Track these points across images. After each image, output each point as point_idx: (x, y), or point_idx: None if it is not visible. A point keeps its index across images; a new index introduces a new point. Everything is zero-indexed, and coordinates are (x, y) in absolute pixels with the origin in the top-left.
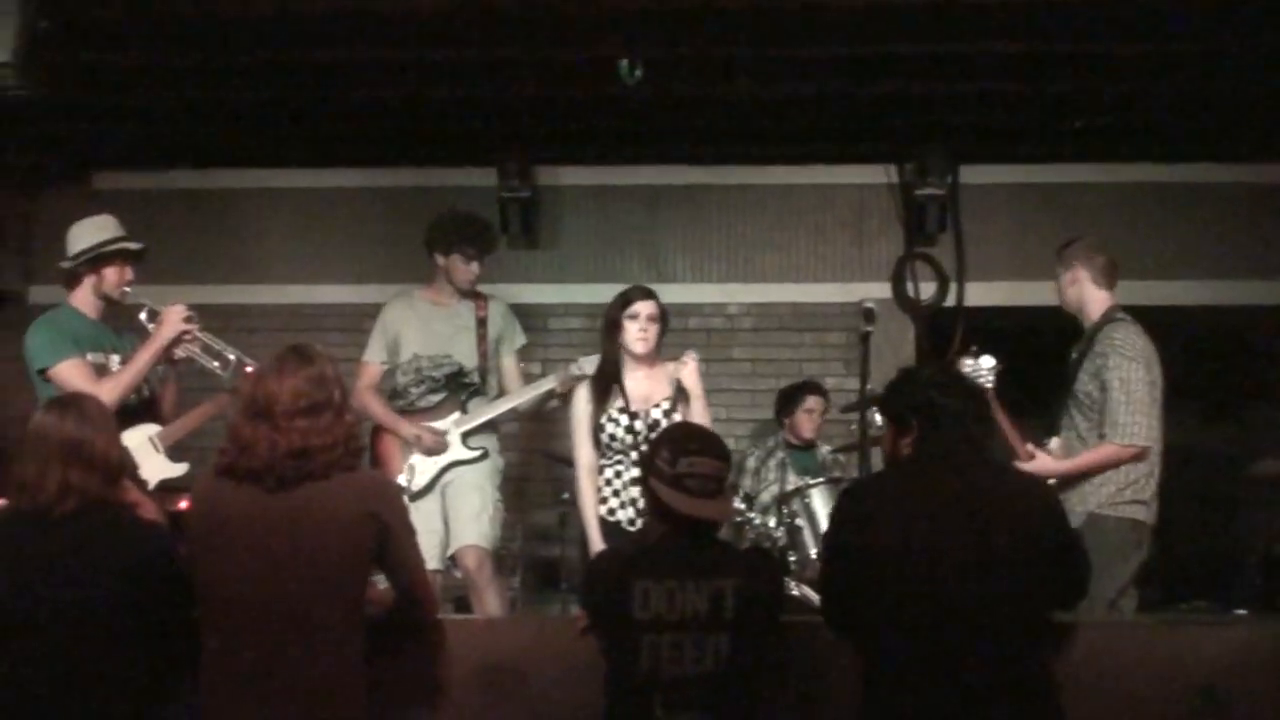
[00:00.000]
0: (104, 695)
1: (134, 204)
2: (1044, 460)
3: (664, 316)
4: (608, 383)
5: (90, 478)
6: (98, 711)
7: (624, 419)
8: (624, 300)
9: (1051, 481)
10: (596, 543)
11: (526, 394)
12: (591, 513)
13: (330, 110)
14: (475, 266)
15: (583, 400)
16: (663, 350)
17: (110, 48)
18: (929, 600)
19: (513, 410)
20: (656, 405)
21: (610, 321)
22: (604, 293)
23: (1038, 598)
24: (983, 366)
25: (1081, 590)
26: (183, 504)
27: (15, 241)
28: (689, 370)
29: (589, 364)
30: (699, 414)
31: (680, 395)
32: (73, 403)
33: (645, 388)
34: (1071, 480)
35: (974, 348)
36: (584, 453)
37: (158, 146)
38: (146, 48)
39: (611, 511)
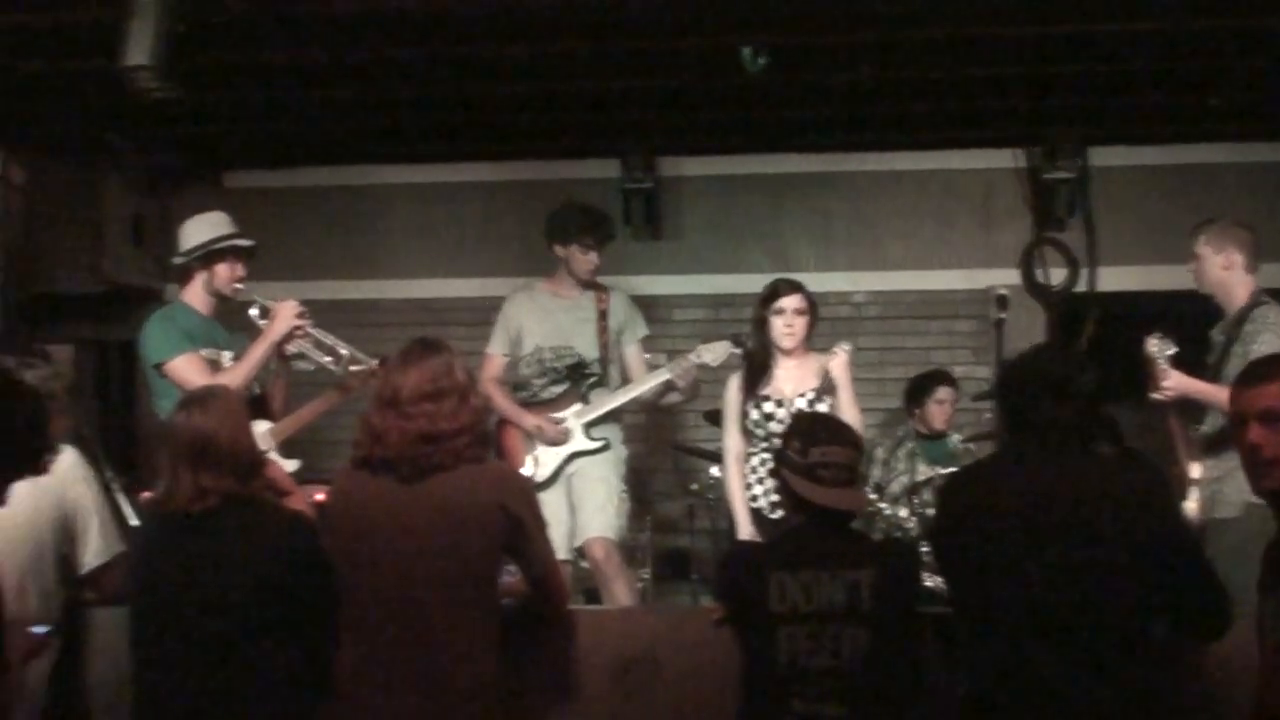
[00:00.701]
0: (253, 692)
1: (264, 202)
2: (1180, 379)
3: (812, 308)
4: (757, 372)
5: (221, 477)
6: (247, 709)
7: (768, 407)
8: (769, 294)
9: (1200, 476)
10: (745, 530)
11: (646, 384)
12: (740, 500)
13: (455, 105)
14: (594, 257)
15: (733, 388)
16: (814, 340)
17: (243, 48)
18: (1015, 608)
19: (634, 400)
20: (802, 395)
21: (758, 316)
22: (727, 283)
23: (1143, 611)
24: (1165, 349)
25: (1221, 619)
26: (319, 496)
27: (151, 239)
28: (838, 362)
29: (708, 353)
30: (846, 406)
31: (828, 386)
32: (200, 399)
33: (794, 377)
34: (1227, 470)
35: (1157, 333)
36: (731, 440)
37: (287, 144)
38: (277, 47)
39: (755, 499)
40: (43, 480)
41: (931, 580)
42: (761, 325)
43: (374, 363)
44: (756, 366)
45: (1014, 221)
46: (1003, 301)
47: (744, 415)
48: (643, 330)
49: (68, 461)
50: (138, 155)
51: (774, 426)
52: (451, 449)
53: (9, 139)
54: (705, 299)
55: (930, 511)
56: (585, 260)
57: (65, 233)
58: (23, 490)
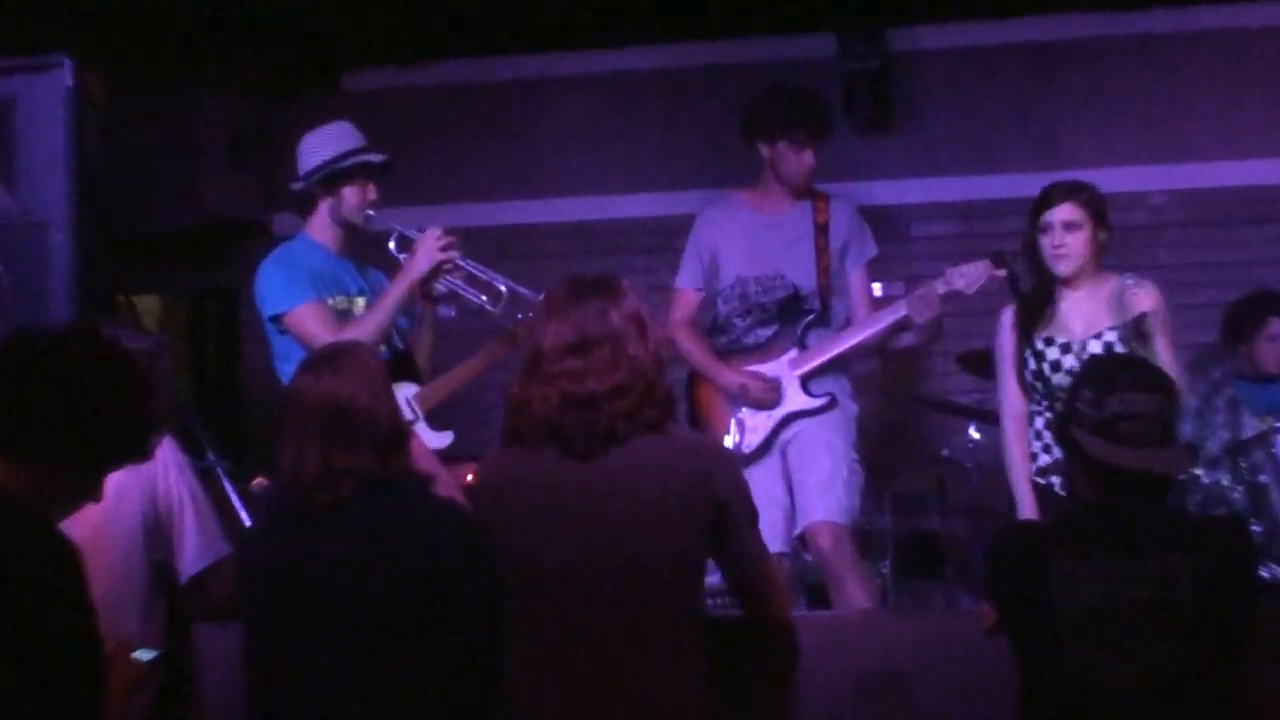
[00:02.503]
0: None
1: (390, 107)
2: None
3: (1095, 218)
4: (1034, 307)
5: (357, 455)
6: None
7: (1052, 352)
8: (1037, 204)
9: None
10: (1028, 511)
11: (878, 322)
12: (1022, 472)
13: None
14: (808, 156)
15: (1005, 325)
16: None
17: None
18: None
19: (864, 344)
20: (1097, 335)
21: (1028, 235)
22: (980, 187)
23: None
24: None
25: None
26: (469, 477)
27: (256, 160)
28: (1146, 295)
29: (959, 277)
30: (1164, 360)
31: (1133, 329)
32: (330, 357)
33: (1083, 312)
34: None
35: None
36: (1008, 395)
37: (419, 33)
38: None
39: (1042, 472)
40: (127, 471)
41: (1268, 569)
42: (1031, 245)
43: (540, 298)
44: (1032, 300)
45: None
46: None
47: (1022, 364)
48: (871, 250)
49: (159, 446)
50: (235, 56)
51: (1061, 379)
52: (612, 413)
53: (81, 44)
54: (952, 209)
55: (1263, 478)
56: (796, 161)
57: (150, 157)
58: (115, 479)
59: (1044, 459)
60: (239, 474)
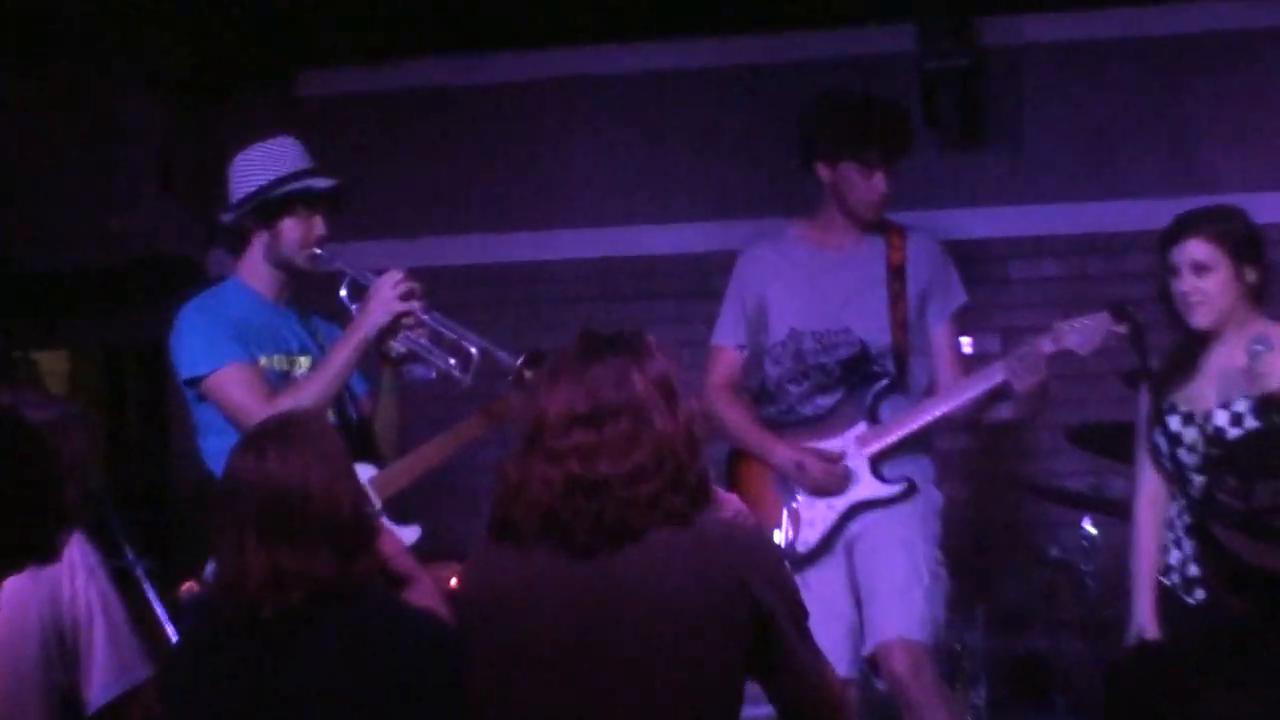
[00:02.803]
0: None
1: (355, 115)
2: None
3: (1237, 255)
4: (1173, 366)
5: (312, 555)
6: None
7: (1173, 423)
8: (1162, 239)
9: None
10: (1145, 621)
11: (969, 389)
12: (1147, 572)
13: None
14: (879, 181)
15: (1145, 391)
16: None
17: None
18: None
19: (949, 416)
20: (1225, 405)
21: (1159, 276)
22: (1095, 216)
23: None
24: None
25: None
26: (453, 581)
27: (188, 181)
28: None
29: (1071, 333)
30: None
31: (1267, 404)
32: (277, 432)
33: (1219, 374)
34: None
35: None
36: (1144, 474)
37: (393, 24)
38: None
39: (1167, 571)
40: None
41: None
42: (1164, 289)
43: (518, 364)
44: (1169, 358)
45: None
46: None
47: (1153, 438)
48: (960, 297)
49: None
50: (165, 52)
51: (1182, 456)
52: (628, 502)
53: None
54: (1061, 244)
55: None
56: (866, 186)
57: (60, 175)
58: (7, 586)
59: (1173, 555)
60: (164, 577)
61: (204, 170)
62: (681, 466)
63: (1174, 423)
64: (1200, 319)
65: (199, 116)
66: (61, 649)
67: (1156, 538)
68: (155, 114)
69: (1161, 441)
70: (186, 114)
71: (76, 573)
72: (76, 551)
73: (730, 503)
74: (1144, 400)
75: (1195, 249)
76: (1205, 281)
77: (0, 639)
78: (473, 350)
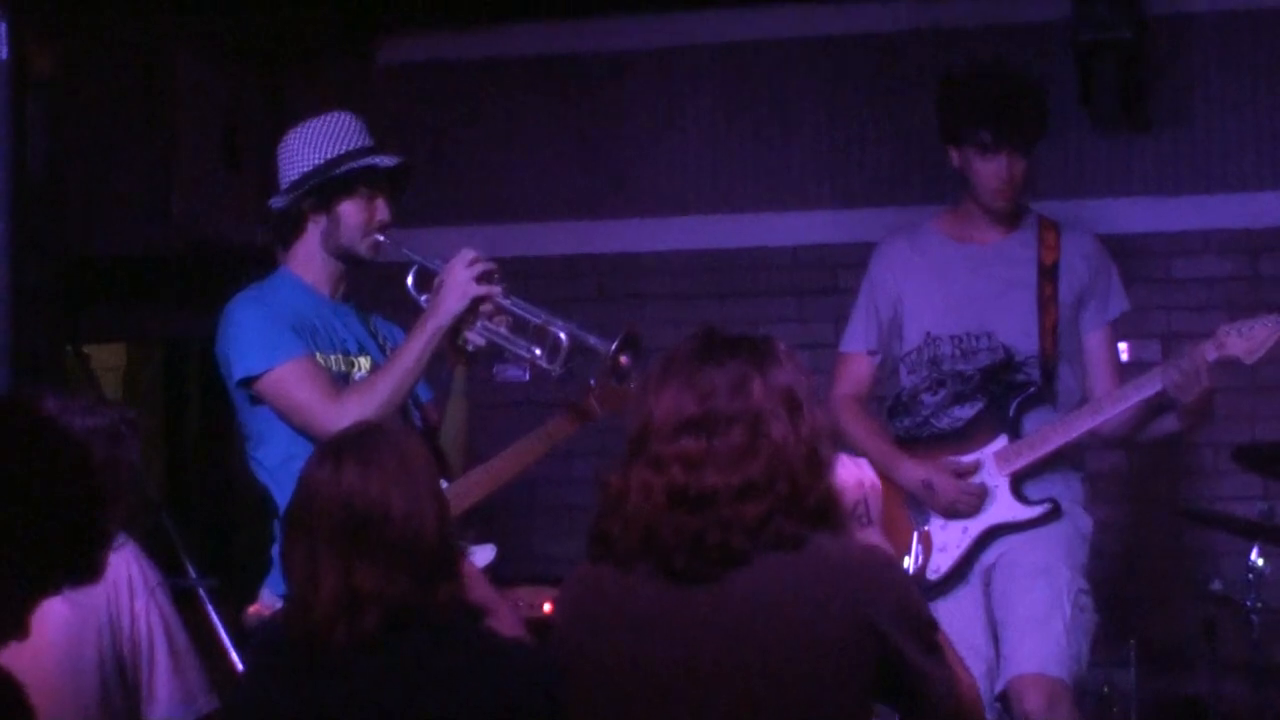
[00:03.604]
0: None
1: (434, 85)
2: None
3: None
4: None
5: (391, 576)
6: None
7: None
8: None
9: None
10: None
11: (1124, 400)
12: None
13: None
14: (1001, 165)
15: None
16: None
17: None
18: None
19: (1100, 431)
20: None
21: None
22: (1270, 208)
23: None
24: None
25: None
26: (546, 607)
27: (257, 158)
28: None
29: (1238, 339)
30: None
31: None
32: (355, 443)
33: None
34: None
35: None
36: None
37: None
38: None
39: None
40: (85, 594)
41: None
42: None
43: (612, 348)
44: None
45: None
46: None
47: None
48: (1121, 304)
49: (122, 562)
50: (229, 15)
51: None
52: (733, 522)
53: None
54: (1232, 239)
55: None
56: (987, 171)
57: (115, 154)
58: (59, 612)
59: None
60: (229, 597)
61: (273, 147)
62: (799, 487)
63: None
64: None
65: (269, 89)
66: (122, 679)
67: None
68: (222, 88)
69: None
70: (255, 87)
71: (136, 594)
72: (136, 570)
73: (871, 535)
74: None
75: None
76: None
77: (58, 673)
78: (562, 336)
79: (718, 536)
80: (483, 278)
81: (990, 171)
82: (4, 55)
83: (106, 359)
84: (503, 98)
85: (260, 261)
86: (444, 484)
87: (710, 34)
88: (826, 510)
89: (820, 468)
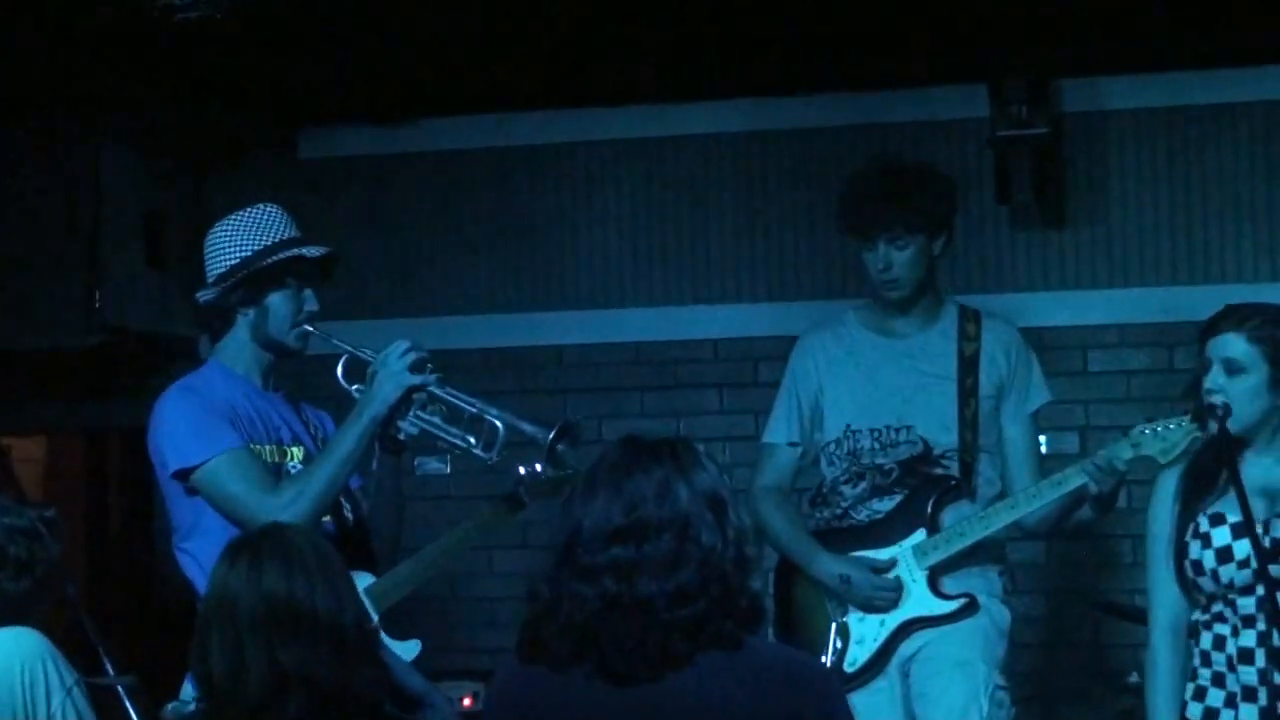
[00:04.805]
0: None
1: (360, 179)
2: None
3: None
4: (1204, 471)
5: (317, 655)
6: None
7: (1220, 535)
8: (1204, 329)
9: None
10: None
11: (1046, 495)
12: (1168, 706)
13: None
14: (881, 256)
15: (1163, 500)
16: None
17: None
18: None
19: (1017, 525)
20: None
21: (1196, 370)
22: (1188, 302)
23: None
24: None
25: None
26: (466, 701)
27: (176, 253)
28: None
29: (1153, 439)
30: None
31: None
32: (271, 544)
33: (1263, 479)
34: None
35: None
36: (1161, 597)
37: (400, 80)
38: None
39: (1210, 716)
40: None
41: None
42: (1198, 386)
43: (549, 437)
44: (1200, 462)
45: None
46: None
47: (1181, 552)
48: (1041, 396)
49: (22, 652)
50: (153, 109)
51: (1231, 572)
52: (672, 625)
53: None
54: (1148, 332)
55: None
56: (869, 262)
57: (37, 248)
58: None
59: (1213, 695)
60: (149, 696)
61: (194, 241)
62: (731, 590)
63: (1221, 535)
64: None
65: (187, 183)
66: None
67: (1180, 667)
68: (141, 183)
69: (1194, 549)
70: (174, 182)
71: (53, 695)
72: (52, 670)
73: None
74: (1162, 511)
75: (1231, 344)
76: (1235, 383)
77: None
78: (498, 424)
79: (659, 639)
80: (416, 367)
81: (871, 261)
82: None
83: (28, 450)
84: (423, 190)
85: (182, 354)
86: (371, 578)
87: (628, 128)
88: (757, 608)
89: (748, 567)
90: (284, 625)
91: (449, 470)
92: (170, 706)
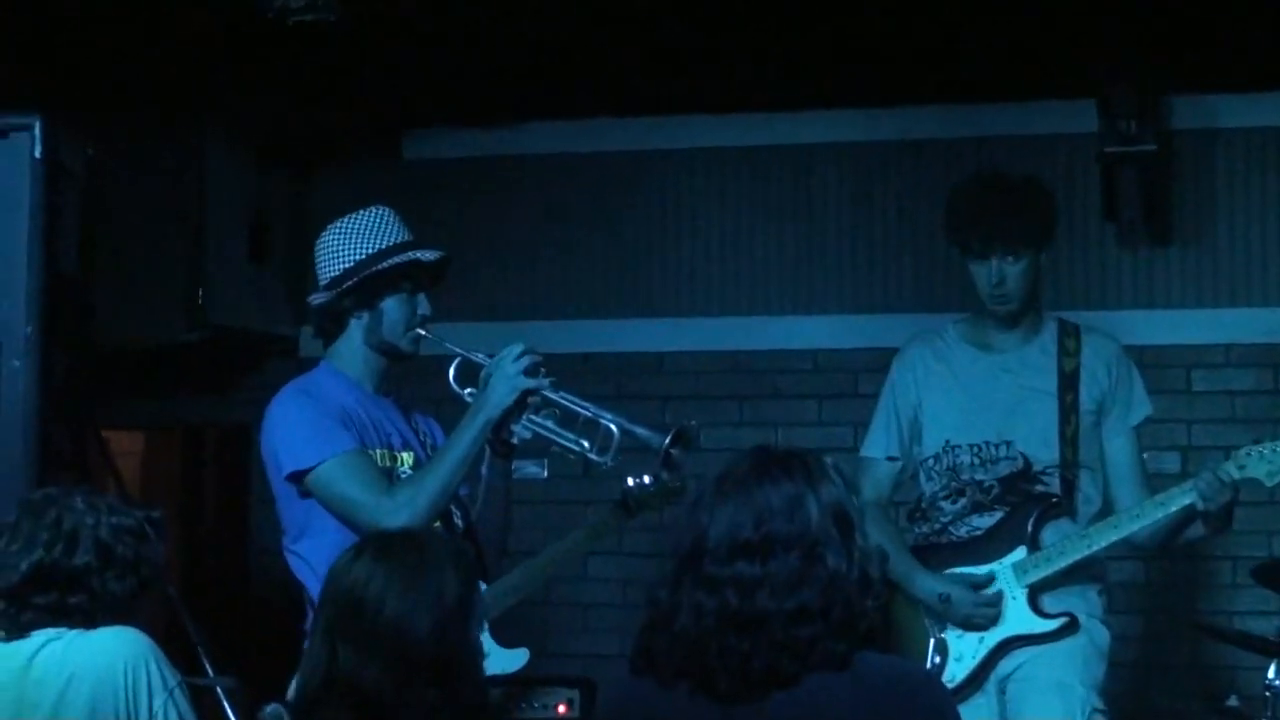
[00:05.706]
0: None
1: (461, 182)
2: None
3: None
4: None
5: (366, 660)
6: None
7: None
8: None
9: None
10: None
11: (1152, 513)
12: None
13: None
14: (994, 270)
15: None
16: None
17: None
18: None
19: (1126, 540)
20: None
21: None
22: None
23: None
24: None
25: None
26: (561, 708)
27: (281, 253)
28: None
29: (1259, 460)
30: None
31: None
32: (383, 539)
33: None
34: None
35: None
36: None
37: (504, 85)
38: None
39: None
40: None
41: None
42: None
43: (665, 442)
44: None
45: None
46: None
47: None
48: (1142, 409)
49: (126, 652)
50: (256, 113)
51: None
52: (786, 646)
53: (55, 99)
54: (1255, 352)
55: None
56: (980, 276)
57: (142, 248)
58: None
59: None
60: (247, 697)
61: (297, 240)
62: (853, 612)
63: None
64: None
65: (294, 185)
66: None
67: None
68: (248, 184)
69: None
70: (278, 182)
71: (155, 696)
72: (155, 671)
73: None
74: None
75: None
76: None
77: None
78: (613, 428)
79: (765, 660)
80: (531, 370)
81: (983, 275)
82: (38, 153)
83: (125, 443)
84: (527, 194)
85: (281, 353)
86: (482, 586)
87: (734, 137)
88: (872, 633)
89: (870, 590)
90: (347, 622)
91: (545, 474)
92: (269, 708)
